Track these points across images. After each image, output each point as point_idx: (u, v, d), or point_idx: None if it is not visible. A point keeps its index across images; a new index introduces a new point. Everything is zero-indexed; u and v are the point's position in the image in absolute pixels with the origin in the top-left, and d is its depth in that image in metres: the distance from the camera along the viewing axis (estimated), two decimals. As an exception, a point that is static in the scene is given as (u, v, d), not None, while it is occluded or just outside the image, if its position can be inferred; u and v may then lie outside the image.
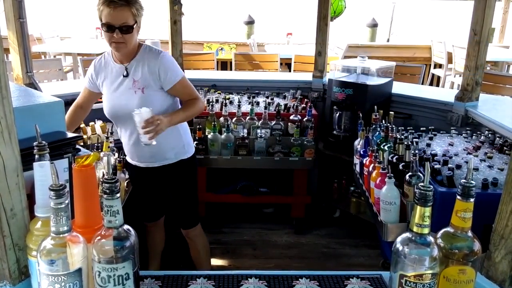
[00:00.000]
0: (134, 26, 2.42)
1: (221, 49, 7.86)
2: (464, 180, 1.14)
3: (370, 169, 2.68)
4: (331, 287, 1.38)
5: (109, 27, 2.37)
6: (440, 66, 7.94)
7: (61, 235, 1.06)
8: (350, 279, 1.42)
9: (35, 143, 1.26)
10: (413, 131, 3.07)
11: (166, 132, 2.49)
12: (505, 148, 2.74)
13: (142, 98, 2.51)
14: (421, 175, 2.32)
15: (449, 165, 2.44)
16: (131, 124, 2.47)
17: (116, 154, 2.69)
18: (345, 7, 6.31)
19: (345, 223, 4.21)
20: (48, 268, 1.06)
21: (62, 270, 1.07)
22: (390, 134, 2.90)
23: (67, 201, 1.05)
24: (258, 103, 4.05)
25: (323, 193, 4.33)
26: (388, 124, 3.02)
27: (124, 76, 2.55)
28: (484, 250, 1.30)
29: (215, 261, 3.59)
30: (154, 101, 2.53)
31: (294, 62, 6.71)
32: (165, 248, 3.22)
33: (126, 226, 1.14)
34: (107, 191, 1.07)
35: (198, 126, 3.67)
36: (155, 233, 3.14)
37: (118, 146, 2.88)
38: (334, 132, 3.93)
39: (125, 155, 2.81)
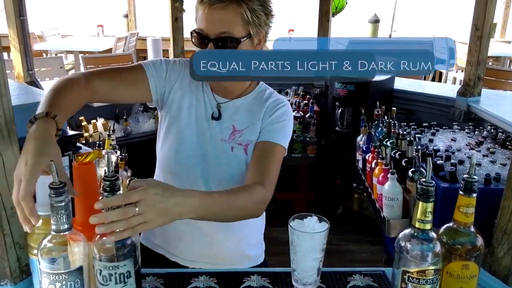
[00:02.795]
0: (243, 41, 1.47)
1: (223, 46, 7.83)
2: (466, 175, 1.13)
3: (373, 165, 2.68)
4: (333, 283, 1.37)
5: (199, 38, 1.46)
6: (442, 61, 7.91)
7: (62, 233, 1.06)
8: (353, 275, 1.41)
9: (35, 141, 1.25)
10: (415, 126, 3.07)
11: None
12: (507, 143, 2.73)
13: (241, 162, 1.59)
14: (423, 170, 2.31)
15: (452, 161, 2.44)
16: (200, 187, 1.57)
17: (118, 152, 2.69)
18: (346, 3, 6.29)
19: (347, 219, 4.20)
20: (49, 267, 1.06)
21: (63, 269, 1.06)
22: (392, 130, 2.89)
23: (67, 199, 1.04)
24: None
25: (326, 190, 4.32)
26: (390, 120, 3.01)
27: (213, 118, 1.61)
28: (487, 245, 1.29)
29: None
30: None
31: (296, 59, 6.69)
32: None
33: None
34: (108, 188, 1.06)
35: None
36: None
37: (120, 144, 2.88)
38: (337, 128, 3.92)
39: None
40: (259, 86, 1.67)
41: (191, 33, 1.49)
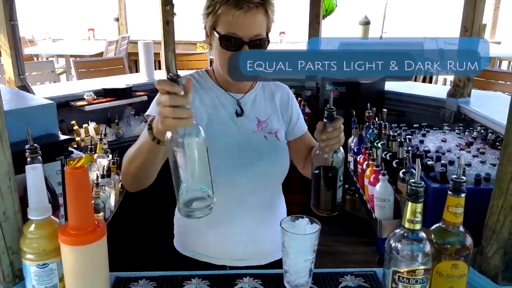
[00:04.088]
0: (267, 40, 1.59)
1: (214, 48, 7.84)
2: (455, 176, 1.15)
3: (364, 166, 2.69)
4: (325, 284, 1.39)
5: (233, 41, 1.52)
6: (433, 62, 7.96)
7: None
8: (345, 276, 1.43)
9: (27, 146, 1.25)
10: (406, 128, 3.09)
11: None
12: (497, 143, 2.75)
13: (279, 147, 1.73)
14: (414, 171, 2.33)
15: (442, 161, 2.46)
16: (248, 191, 1.71)
17: (110, 156, 2.69)
18: (336, 5, 6.31)
19: (340, 220, 4.21)
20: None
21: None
22: (383, 132, 2.90)
23: None
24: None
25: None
26: (381, 122, 3.03)
27: (238, 115, 1.68)
28: (477, 245, 1.31)
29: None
30: (287, 152, 1.79)
31: (287, 61, 6.69)
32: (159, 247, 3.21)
33: None
34: (329, 117, 1.45)
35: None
36: None
37: (112, 148, 2.88)
38: (328, 130, 3.93)
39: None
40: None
41: (221, 37, 1.53)
